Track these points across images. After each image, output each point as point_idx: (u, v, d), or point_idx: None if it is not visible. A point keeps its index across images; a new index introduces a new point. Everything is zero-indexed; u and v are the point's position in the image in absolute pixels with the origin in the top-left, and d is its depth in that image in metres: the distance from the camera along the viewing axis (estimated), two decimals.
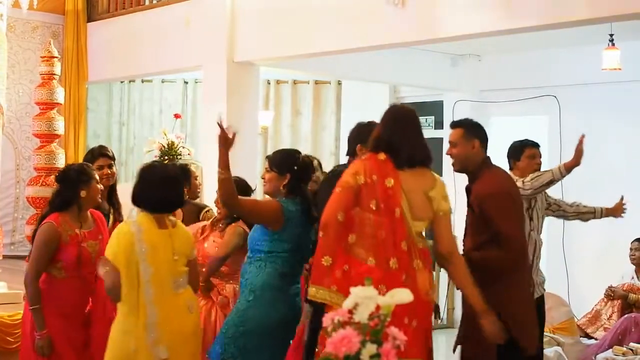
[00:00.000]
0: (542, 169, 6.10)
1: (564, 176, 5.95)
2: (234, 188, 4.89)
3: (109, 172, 5.76)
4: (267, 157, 5.19)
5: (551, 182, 5.85)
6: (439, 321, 10.31)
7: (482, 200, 4.77)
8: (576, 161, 5.95)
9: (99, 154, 5.98)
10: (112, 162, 5.88)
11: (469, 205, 4.93)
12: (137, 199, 4.60)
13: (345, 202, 4.16)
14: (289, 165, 5.04)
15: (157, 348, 4.38)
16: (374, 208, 4.14)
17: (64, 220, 4.95)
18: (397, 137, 4.26)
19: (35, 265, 4.91)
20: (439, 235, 4.31)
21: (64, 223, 4.95)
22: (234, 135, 4.85)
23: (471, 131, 4.94)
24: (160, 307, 4.40)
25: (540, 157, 6.10)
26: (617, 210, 6.48)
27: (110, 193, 5.75)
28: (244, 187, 5.59)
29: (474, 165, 4.90)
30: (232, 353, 4.90)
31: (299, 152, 5.21)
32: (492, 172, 4.91)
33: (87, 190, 4.99)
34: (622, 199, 6.43)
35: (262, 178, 5.19)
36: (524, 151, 5.98)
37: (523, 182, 5.73)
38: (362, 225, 4.16)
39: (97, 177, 5.16)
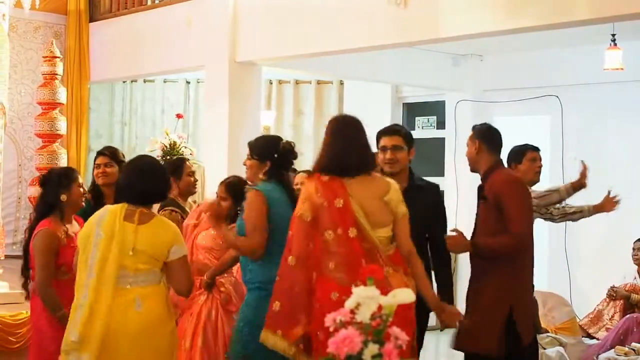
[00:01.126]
0: (544, 169, 6.19)
1: (570, 196, 6.31)
2: (246, 241, 4.83)
3: (105, 170, 5.74)
4: (248, 144, 5.13)
5: (558, 203, 6.16)
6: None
7: (498, 187, 5.06)
8: (581, 182, 6.42)
9: (98, 152, 6.00)
10: (110, 160, 5.84)
11: (480, 199, 5.21)
12: (120, 192, 4.59)
13: (305, 237, 4.24)
14: (270, 153, 4.98)
15: (73, 329, 4.31)
16: (331, 233, 4.19)
17: (55, 223, 4.95)
18: (337, 150, 4.31)
19: (44, 272, 4.88)
20: (399, 237, 4.35)
21: (56, 226, 4.94)
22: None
23: (477, 133, 5.27)
24: (95, 293, 4.31)
25: (541, 160, 6.19)
26: (606, 206, 6.51)
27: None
28: (240, 189, 5.60)
29: (484, 166, 5.19)
30: (254, 349, 4.89)
31: (280, 139, 5.12)
32: (504, 170, 5.28)
33: (67, 194, 4.98)
34: (609, 193, 6.47)
35: (244, 165, 5.17)
36: (525, 154, 6.09)
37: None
38: (330, 249, 4.20)
39: (80, 181, 5.13)
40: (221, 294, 5.56)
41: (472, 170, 5.35)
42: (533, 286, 5.47)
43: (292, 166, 5.15)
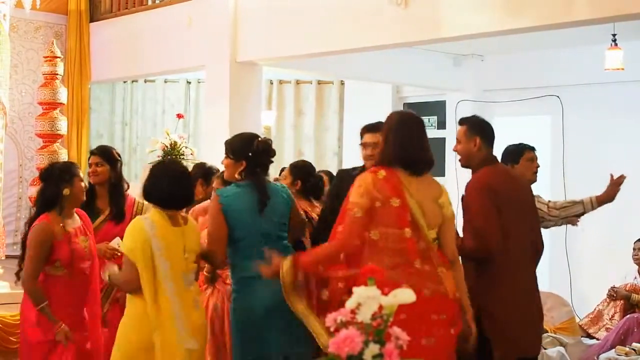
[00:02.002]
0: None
1: (594, 209, 6.02)
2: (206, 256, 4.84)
3: (96, 169, 5.72)
4: (225, 143, 5.04)
5: (580, 215, 5.98)
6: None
7: (466, 193, 4.91)
8: (609, 197, 6.02)
9: (90, 152, 6.00)
10: (101, 159, 5.80)
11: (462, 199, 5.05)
12: (147, 195, 4.66)
13: (359, 229, 4.15)
14: (244, 152, 4.88)
15: (186, 340, 4.44)
16: (386, 230, 4.14)
17: (53, 218, 4.94)
18: (404, 146, 4.24)
19: (32, 265, 4.89)
20: (445, 241, 4.31)
21: (55, 221, 4.94)
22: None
23: (474, 128, 5.01)
24: (185, 300, 4.49)
25: (537, 159, 6.11)
26: (611, 192, 6.06)
27: (113, 191, 5.73)
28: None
29: (476, 162, 4.99)
30: (236, 350, 4.91)
31: (257, 137, 4.99)
32: (489, 168, 4.99)
33: (70, 188, 4.97)
34: (612, 177, 6.07)
35: (222, 163, 5.13)
36: (522, 154, 5.97)
37: (548, 206, 5.80)
38: (380, 245, 4.16)
39: (81, 175, 5.13)
40: (226, 286, 5.54)
41: (464, 166, 5.12)
42: (532, 300, 5.09)
43: (269, 165, 5.00)
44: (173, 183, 4.61)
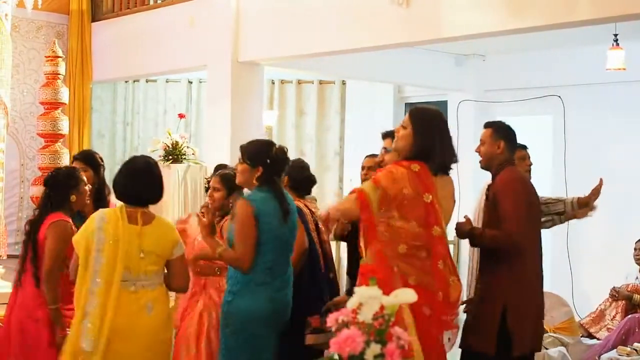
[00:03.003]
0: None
1: (574, 210, 6.15)
2: (233, 255, 4.81)
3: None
4: (241, 148, 5.03)
5: (560, 214, 6.11)
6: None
7: (499, 187, 5.03)
8: (593, 200, 6.08)
9: (73, 157, 5.99)
10: (84, 165, 5.78)
11: (487, 199, 5.18)
12: (114, 191, 4.66)
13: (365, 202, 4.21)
14: (262, 158, 4.89)
15: (84, 338, 4.33)
16: (416, 225, 4.17)
17: (67, 217, 5.01)
18: (434, 143, 4.29)
19: (55, 263, 4.92)
20: None
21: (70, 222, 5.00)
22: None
23: (499, 132, 5.18)
24: (104, 301, 4.34)
25: (530, 158, 6.17)
26: (591, 198, 6.08)
27: (97, 196, 5.71)
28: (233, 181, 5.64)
29: (497, 164, 5.14)
30: (224, 346, 4.90)
31: (273, 144, 5.03)
32: (512, 170, 5.16)
33: (77, 194, 5.04)
34: (600, 181, 6.10)
35: (235, 168, 5.13)
36: (514, 153, 6.02)
37: None
38: (400, 237, 4.18)
39: (85, 179, 5.18)
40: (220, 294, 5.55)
41: (484, 168, 5.27)
42: (541, 294, 5.28)
43: (284, 172, 5.06)
44: (128, 179, 4.59)
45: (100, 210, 4.65)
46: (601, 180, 6.07)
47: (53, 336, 4.94)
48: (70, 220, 5.06)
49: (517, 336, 4.89)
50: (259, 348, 4.83)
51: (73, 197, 5.01)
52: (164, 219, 4.72)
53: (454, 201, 4.37)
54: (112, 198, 5.74)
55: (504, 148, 5.14)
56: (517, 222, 4.91)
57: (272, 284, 4.87)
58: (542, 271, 5.29)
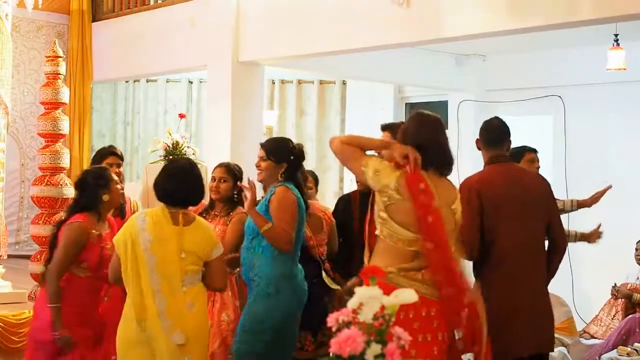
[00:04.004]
0: (546, 169, 6.20)
1: (573, 210, 6.23)
2: (281, 233, 4.91)
3: (117, 171, 5.78)
4: (262, 145, 5.18)
5: (560, 212, 6.04)
6: None
7: None
8: (591, 204, 6.20)
9: (108, 152, 6.02)
10: (121, 162, 5.92)
11: None
12: (154, 191, 4.69)
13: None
14: (286, 154, 5.09)
15: (173, 334, 4.39)
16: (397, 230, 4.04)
17: (89, 220, 4.97)
18: (432, 145, 4.16)
19: (60, 263, 4.91)
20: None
21: (90, 223, 4.97)
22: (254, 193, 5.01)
23: (480, 130, 5.20)
24: (169, 296, 4.43)
25: (539, 161, 6.24)
26: (592, 236, 6.36)
27: None
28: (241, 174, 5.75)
29: (485, 162, 5.12)
30: (258, 348, 4.90)
31: (292, 141, 5.25)
32: (487, 168, 5.10)
33: (109, 193, 5.03)
34: (599, 226, 6.30)
35: (257, 166, 5.18)
36: (524, 155, 6.15)
37: None
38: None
39: (116, 178, 5.19)
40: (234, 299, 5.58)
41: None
42: (529, 296, 5.04)
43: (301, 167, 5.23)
44: (173, 181, 4.63)
45: (136, 213, 4.72)
46: (609, 187, 6.09)
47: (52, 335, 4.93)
48: (97, 223, 5.02)
49: (492, 341, 4.60)
50: (293, 338, 5.04)
51: (105, 197, 5.00)
52: (203, 220, 4.78)
53: (452, 211, 4.22)
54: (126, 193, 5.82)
55: (481, 145, 5.15)
56: (465, 229, 4.66)
57: (299, 274, 5.06)
58: (534, 270, 5.07)
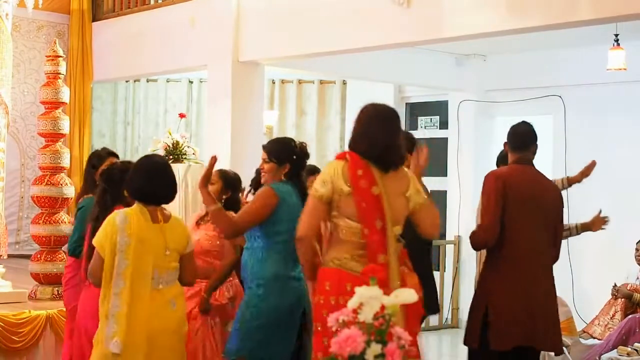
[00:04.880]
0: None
1: (565, 189, 6.17)
2: (227, 217, 4.93)
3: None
4: (264, 147, 5.15)
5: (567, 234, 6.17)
6: (444, 321, 10.36)
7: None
8: (580, 178, 6.18)
9: (108, 153, 6.03)
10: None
11: None
12: (128, 190, 4.65)
13: (322, 215, 4.15)
14: (288, 155, 5.06)
15: (110, 341, 4.33)
16: (352, 221, 4.09)
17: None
18: (372, 142, 4.17)
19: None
20: (424, 225, 4.29)
21: None
22: (211, 168, 5.00)
23: (507, 135, 5.37)
24: (128, 302, 4.35)
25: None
26: (595, 224, 6.24)
27: None
28: (237, 182, 5.71)
29: (510, 163, 5.31)
30: (250, 348, 4.90)
31: (294, 141, 5.21)
32: (511, 166, 5.30)
33: None
34: (599, 212, 6.24)
35: (261, 169, 5.17)
36: (514, 153, 6.13)
37: None
38: (346, 235, 4.12)
39: None
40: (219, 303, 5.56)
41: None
42: (535, 293, 5.22)
43: (305, 167, 5.23)
44: (150, 178, 4.59)
45: (115, 212, 4.62)
46: (593, 162, 6.08)
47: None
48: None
49: (493, 328, 5.01)
50: (288, 337, 4.96)
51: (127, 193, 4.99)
52: (176, 216, 4.76)
53: (406, 198, 4.21)
54: None
55: (508, 149, 5.33)
56: (487, 215, 5.08)
57: (296, 276, 4.99)
58: (544, 271, 5.27)
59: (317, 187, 4.11)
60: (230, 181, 5.68)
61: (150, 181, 4.58)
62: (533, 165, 5.33)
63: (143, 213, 4.50)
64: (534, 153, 5.34)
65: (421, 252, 4.86)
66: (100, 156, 6.09)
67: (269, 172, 5.06)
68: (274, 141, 5.26)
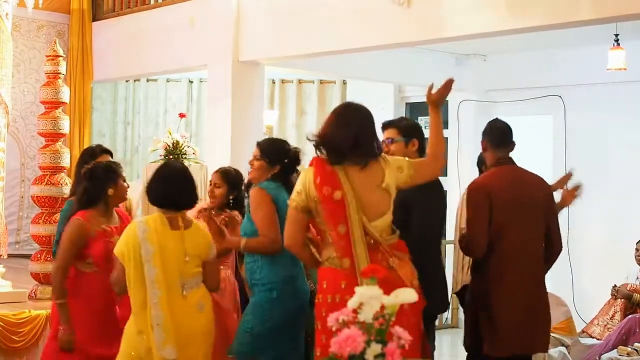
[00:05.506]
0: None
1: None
2: (260, 243, 4.92)
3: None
4: (258, 144, 5.15)
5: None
6: (444, 321, 10.35)
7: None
8: (568, 201, 5.79)
9: (102, 150, 6.01)
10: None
11: None
12: (148, 196, 4.67)
13: (302, 223, 4.25)
14: (281, 157, 5.06)
15: (164, 349, 4.38)
16: (326, 226, 4.17)
17: (91, 216, 4.97)
18: (334, 133, 4.21)
19: (60, 260, 4.94)
20: (421, 181, 4.38)
21: (91, 219, 4.96)
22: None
23: (483, 132, 5.35)
24: (167, 309, 4.41)
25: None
26: (566, 200, 5.69)
27: None
28: (240, 180, 5.72)
29: (488, 163, 5.29)
30: (261, 349, 4.91)
31: (289, 144, 5.20)
32: (492, 170, 5.25)
33: (114, 187, 5.02)
34: (567, 175, 5.77)
35: (250, 164, 5.16)
36: (498, 151, 6.09)
37: None
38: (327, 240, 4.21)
39: (124, 175, 5.19)
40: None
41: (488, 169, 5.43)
42: (532, 296, 5.20)
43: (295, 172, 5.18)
44: (171, 185, 4.61)
45: (135, 222, 4.65)
46: (569, 174, 5.87)
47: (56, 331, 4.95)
48: (105, 216, 5.04)
49: (486, 336, 5.03)
50: (299, 336, 5.02)
51: (110, 191, 4.99)
52: (197, 222, 4.79)
53: (383, 189, 4.22)
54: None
55: (486, 146, 5.30)
56: (473, 225, 5.10)
57: (301, 275, 5.04)
58: (539, 272, 5.25)
59: (293, 196, 4.23)
60: (233, 182, 5.71)
61: (168, 188, 4.60)
62: (514, 163, 5.26)
63: (162, 220, 4.52)
64: (512, 151, 5.29)
65: (428, 246, 4.83)
66: (93, 153, 6.08)
67: (257, 169, 5.06)
68: (269, 140, 5.30)
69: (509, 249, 5.05)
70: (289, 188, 4.93)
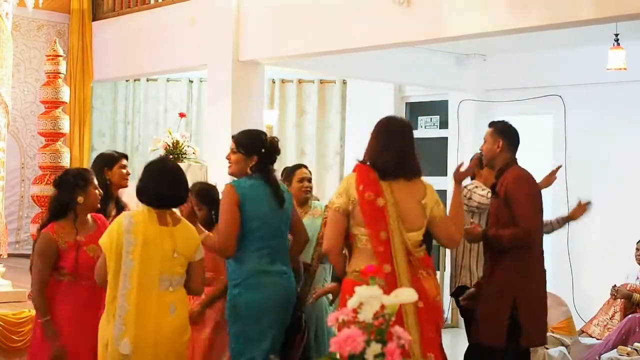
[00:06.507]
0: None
1: (560, 227, 6.29)
2: (211, 238, 4.86)
3: (128, 171, 5.79)
4: (233, 138, 5.10)
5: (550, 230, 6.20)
6: (444, 321, 10.35)
7: (508, 184, 5.21)
8: (545, 185, 6.07)
9: (122, 155, 5.92)
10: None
11: (493, 195, 5.39)
12: (138, 193, 4.57)
13: (342, 226, 4.36)
14: (257, 147, 4.97)
15: (120, 342, 4.30)
16: (363, 231, 4.30)
17: (59, 227, 4.83)
18: (378, 151, 4.42)
19: (37, 276, 4.82)
20: (441, 234, 4.52)
21: (60, 231, 4.82)
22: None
23: (498, 131, 5.38)
24: (134, 303, 4.33)
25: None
26: (576, 214, 6.13)
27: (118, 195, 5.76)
28: (215, 194, 5.45)
29: (500, 163, 5.34)
30: (237, 349, 4.89)
31: (264, 134, 5.14)
32: (518, 168, 5.35)
33: (84, 195, 4.85)
34: (579, 202, 6.17)
35: (227, 159, 5.09)
36: (514, 152, 6.15)
37: (488, 193, 5.94)
38: (361, 242, 4.34)
39: (96, 183, 4.99)
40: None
41: (487, 165, 5.57)
42: (545, 290, 5.45)
43: (275, 162, 5.10)
44: (161, 182, 4.54)
45: (123, 214, 4.58)
46: (581, 203, 6.09)
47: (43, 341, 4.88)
48: (74, 226, 4.88)
49: (525, 329, 5.11)
50: (260, 337, 4.86)
51: (80, 199, 4.84)
52: (187, 221, 4.68)
53: (422, 205, 4.42)
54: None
55: (502, 146, 5.32)
56: (533, 218, 5.19)
57: (274, 271, 4.91)
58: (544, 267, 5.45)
59: (334, 199, 4.39)
60: (210, 200, 5.41)
61: (156, 184, 4.53)
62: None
63: (150, 215, 4.45)
64: None
65: None
66: (112, 159, 5.91)
67: (235, 162, 5.01)
68: (243, 132, 5.19)
69: (537, 241, 5.29)
70: (272, 183, 4.94)
